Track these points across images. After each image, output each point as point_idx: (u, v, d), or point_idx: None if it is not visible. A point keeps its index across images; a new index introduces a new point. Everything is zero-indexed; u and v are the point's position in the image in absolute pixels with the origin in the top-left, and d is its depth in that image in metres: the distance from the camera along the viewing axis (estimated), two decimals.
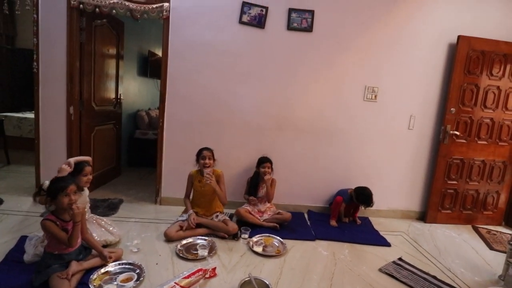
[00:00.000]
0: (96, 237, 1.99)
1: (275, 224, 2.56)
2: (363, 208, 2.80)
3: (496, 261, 2.35)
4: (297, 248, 2.31)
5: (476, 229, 2.99)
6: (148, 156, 3.89)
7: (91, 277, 1.71)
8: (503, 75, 2.87)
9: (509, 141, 3.00)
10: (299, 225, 2.68)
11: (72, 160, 1.98)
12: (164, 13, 2.65)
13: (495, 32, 2.84)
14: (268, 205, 2.72)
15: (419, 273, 2.08)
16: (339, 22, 2.79)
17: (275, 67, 2.82)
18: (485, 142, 2.98)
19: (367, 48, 2.84)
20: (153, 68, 4.77)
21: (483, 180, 3.05)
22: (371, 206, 2.69)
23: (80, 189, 2.02)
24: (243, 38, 2.76)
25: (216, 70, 2.79)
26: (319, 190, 3.05)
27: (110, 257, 1.85)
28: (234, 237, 2.37)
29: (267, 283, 1.75)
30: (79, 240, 1.75)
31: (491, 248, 2.61)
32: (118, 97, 3.59)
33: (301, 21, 2.74)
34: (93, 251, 1.86)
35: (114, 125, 3.56)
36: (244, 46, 2.77)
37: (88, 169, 2.04)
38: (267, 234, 2.43)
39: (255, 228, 2.50)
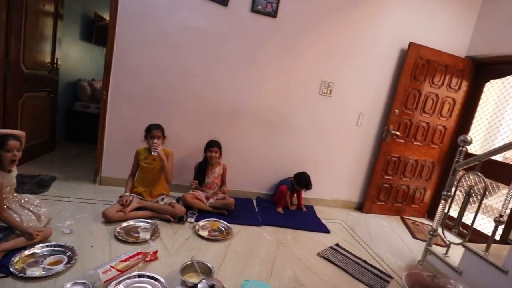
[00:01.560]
0: (24, 223, 1.76)
1: (223, 211, 2.54)
2: (304, 191, 2.93)
3: (417, 248, 2.65)
4: (242, 233, 2.33)
5: (403, 220, 3.35)
6: (89, 131, 3.54)
7: (12, 259, 1.52)
8: (442, 84, 3.18)
9: (439, 144, 3.38)
10: (246, 211, 2.71)
11: None
12: None
13: (439, 42, 3.11)
14: (215, 190, 2.65)
15: (352, 257, 2.26)
16: (305, 12, 2.78)
17: (234, 49, 2.73)
18: (419, 143, 3.31)
19: (329, 43, 2.90)
20: (99, 34, 4.29)
21: (414, 177, 3.41)
22: (310, 189, 2.91)
23: (3, 169, 1.75)
24: (203, 13, 2.60)
25: (170, 45, 2.60)
26: (269, 178, 3.11)
27: (37, 234, 1.66)
28: (180, 220, 2.31)
29: (210, 266, 1.73)
30: None
31: (414, 237, 2.94)
32: (55, 62, 3.15)
33: (266, 5, 2.68)
34: (16, 231, 1.65)
35: (48, 93, 3.13)
36: (204, 23, 2.62)
37: (14, 143, 1.73)
38: (214, 219, 2.40)
39: (203, 213, 2.45)
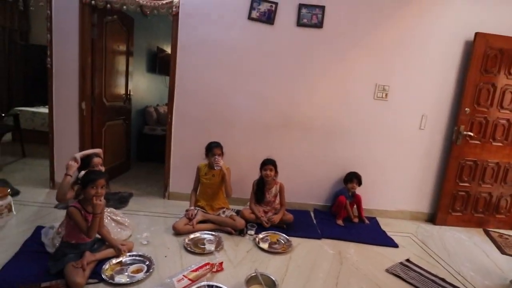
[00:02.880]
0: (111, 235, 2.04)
1: (282, 225, 2.55)
2: (356, 186, 2.81)
3: (508, 265, 2.30)
4: (303, 246, 2.31)
5: (487, 233, 2.92)
6: (157, 151, 3.93)
7: (103, 267, 1.76)
8: None
9: None
10: (305, 223, 2.68)
11: (79, 155, 2.00)
12: (174, 9, 2.66)
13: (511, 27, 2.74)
14: (273, 206, 2.65)
15: (427, 274, 2.05)
16: (350, 19, 2.74)
17: (283, 64, 2.80)
18: (500, 144, 2.90)
19: (378, 45, 2.79)
20: (161, 64, 4.83)
21: (497, 183, 2.97)
22: (361, 180, 2.84)
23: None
24: (251, 34, 2.75)
25: (224, 67, 2.79)
26: (325, 188, 3.04)
27: (125, 251, 1.89)
28: (241, 233, 2.39)
29: (274, 279, 1.76)
30: (95, 233, 1.81)
31: (502, 252, 2.55)
32: (128, 93, 3.64)
33: (311, 17, 2.71)
34: (106, 243, 1.91)
35: (124, 120, 3.62)
36: (253, 43, 2.76)
37: (97, 160, 2.07)
38: (273, 231, 2.43)
39: (261, 227, 2.50)
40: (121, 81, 3.49)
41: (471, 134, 2.82)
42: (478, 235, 2.87)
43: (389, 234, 2.65)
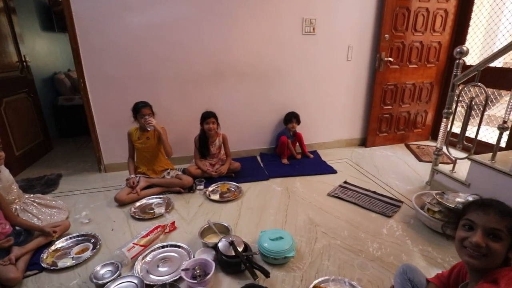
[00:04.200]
0: (43, 222, 1.83)
1: (230, 174, 2.58)
2: (295, 124, 2.93)
3: (424, 170, 2.71)
4: (252, 189, 2.39)
5: (408, 146, 3.38)
6: (80, 123, 3.47)
7: (41, 256, 1.61)
8: None
9: (436, 62, 3.24)
10: (252, 168, 2.75)
11: None
12: None
13: None
14: (219, 157, 2.63)
15: (361, 191, 2.33)
16: None
17: (207, 8, 2.53)
18: (415, 66, 3.18)
19: None
20: (59, 19, 3.98)
21: (414, 102, 3.35)
22: (299, 119, 2.93)
23: None
24: None
25: (139, 14, 2.41)
26: (268, 132, 3.10)
27: (55, 232, 1.71)
28: (190, 190, 2.36)
29: (226, 225, 1.81)
30: (8, 227, 1.59)
31: (420, 160, 2.98)
32: (24, 59, 2.99)
33: None
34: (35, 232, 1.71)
35: (27, 93, 3.02)
36: None
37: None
38: (222, 182, 2.45)
39: (210, 179, 2.49)
40: (8, 46, 2.80)
41: (391, 59, 3.04)
42: (401, 149, 3.30)
43: (328, 163, 2.88)
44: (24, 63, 2.99)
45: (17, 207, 1.83)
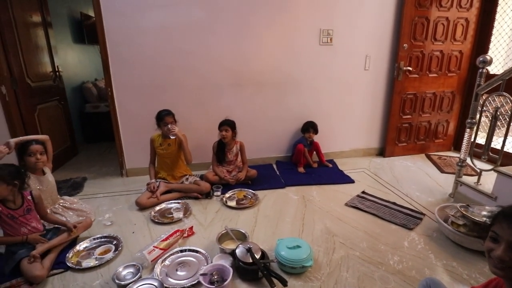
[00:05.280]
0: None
1: (247, 181, 2.61)
2: (313, 135, 2.92)
3: (446, 182, 2.62)
4: (269, 197, 2.40)
5: (428, 157, 3.29)
6: (104, 130, 3.64)
7: (67, 255, 1.68)
8: (452, 5, 2.91)
9: (457, 71, 3.18)
10: (268, 176, 2.76)
11: (13, 140, 1.79)
12: None
13: None
14: (236, 165, 2.67)
15: (380, 201, 2.28)
16: None
17: (225, 20, 2.62)
18: (435, 75, 3.13)
19: None
20: (90, 33, 4.24)
21: (434, 111, 3.27)
22: (317, 129, 2.93)
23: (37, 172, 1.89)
24: None
25: (161, 27, 2.53)
26: (284, 140, 3.11)
27: (75, 227, 1.78)
28: (207, 196, 2.40)
29: (243, 232, 1.83)
30: (40, 226, 1.70)
31: (442, 171, 2.89)
32: (57, 69, 3.19)
33: None
34: (61, 228, 1.80)
35: (58, 101, 3.22)
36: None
37: (35, 148, 1.84)
38: (239, 189, 2.48)
39: (227, 186, 2.53)
40: (44, 57, 3.03)
41: (410, 68, 3.00)
42: (421, 160, 3.22)
43: (346, 172, 2.85)
44: (57, 73, 3.20)
45: (48, 210, 1.94)
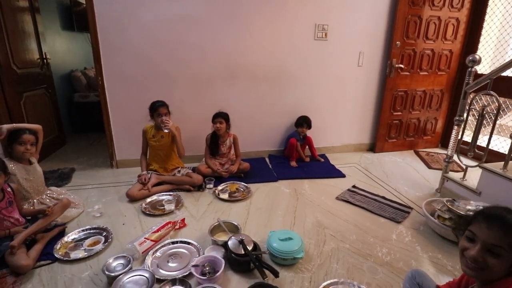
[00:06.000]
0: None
1: (239, 174, 2.61)
2: (306, 129, 2.94)
3: (433, 177, 2.69)
4: (261, 190, 2.41)
5: (417, 153, 3.36)
6: (94, 120, 3.56)
7: (54, 246, 1.65)
8: (444, 4, 2.95)
9: (446, 70, 3.24)
10: (261, 169, 2.77)
11: (6, 126, 1.74)
12: None
13: None
14: (228, 157, 2.67)
15: (370, 196, 2.33)
16: None
17: (220, 10, 2.58)
18: (426, 73, 3.19)
19: None
20: (80, 20, 4.10)
21: (424, 109, 3.34)
22: (310, 124, 2.94)
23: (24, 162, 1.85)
24: None
25: (155, 16, 2.48)
26: (277, 134, 3.12)
27: (49, 211, 1.73)
28: (199, 188, 2.39)
29: (236, 224, 1.83)
30: (22, 219, 1.69)
31: (429, 167, 2.97)
32: (44, 57, 3.08)
33: None
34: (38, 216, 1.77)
35: (46, 89, 3.12)
36: None
37: (27, 137, 1.80)
38: (231, 181, 2.48)
39: (220, 178, 2.53)
40: (31, 43, 2.91)
41: (402, 66, 3.05)
42: (410, 156, 3.29)
43: (337, 167, 2.89)
44: (45, 60, 3.10)
45: (35, 200, 1.90)
